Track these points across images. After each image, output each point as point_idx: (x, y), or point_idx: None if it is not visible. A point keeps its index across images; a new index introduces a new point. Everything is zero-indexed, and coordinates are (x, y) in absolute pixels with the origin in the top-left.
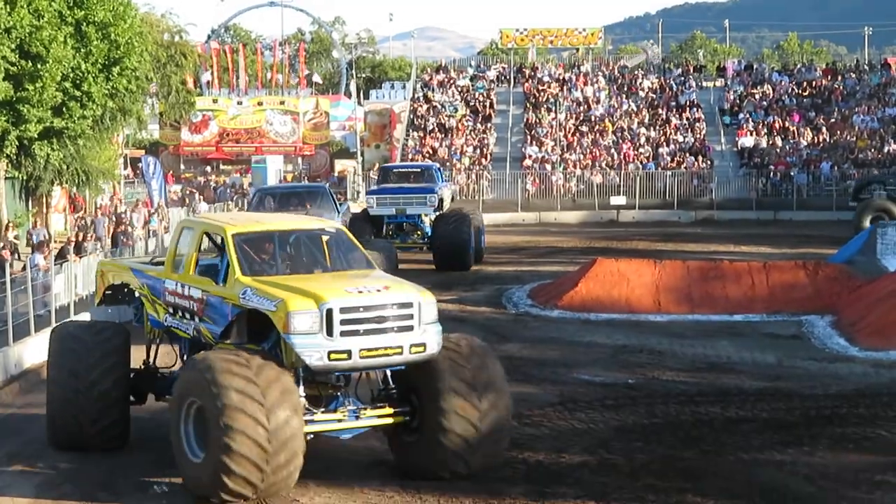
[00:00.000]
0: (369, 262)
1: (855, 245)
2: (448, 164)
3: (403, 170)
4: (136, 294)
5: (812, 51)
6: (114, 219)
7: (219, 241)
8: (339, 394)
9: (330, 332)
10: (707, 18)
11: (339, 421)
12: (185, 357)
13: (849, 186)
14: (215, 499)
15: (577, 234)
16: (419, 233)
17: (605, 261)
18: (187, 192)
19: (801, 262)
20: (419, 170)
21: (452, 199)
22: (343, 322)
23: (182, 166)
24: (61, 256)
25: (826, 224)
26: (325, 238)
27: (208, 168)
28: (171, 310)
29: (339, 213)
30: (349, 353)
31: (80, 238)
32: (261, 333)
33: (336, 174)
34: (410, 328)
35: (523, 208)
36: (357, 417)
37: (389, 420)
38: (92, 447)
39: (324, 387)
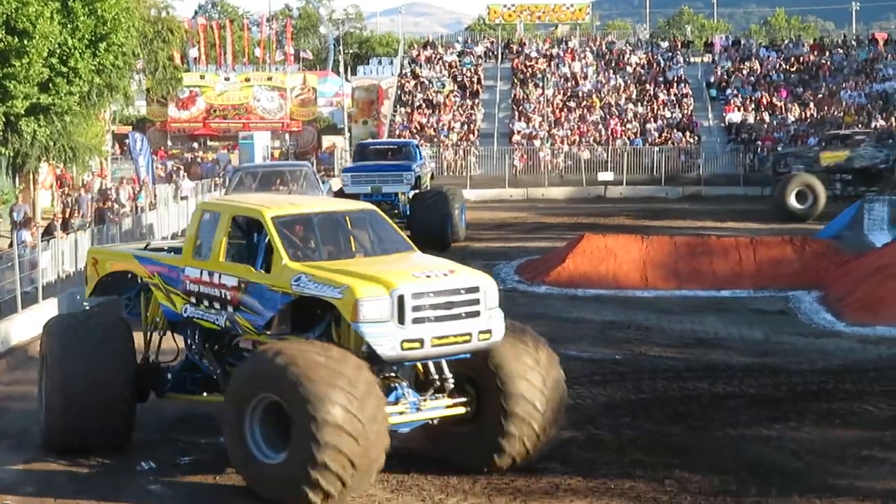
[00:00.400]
0: (408, 243)
1: (842, 220)
2: (436, 139)
3: (380, 147)
4: (141, 283)
5: (799, 26)
6: (98, 196)
7: (249, 224)
8: (397, 385)
9: (402, 320)
10: None
11: (401, 413)
12: (194, 350)
13: None
14: (296, 500)
15: (565, 210)
16: (396, 212)
17: (593, 237)
18: (175, 168)
19: (788, 237)
20: (396, 147)
21: (432, 177)
22: (415, 308)
23: (169, 143)
24: (48, 233)
25: None
26: (362, 219)
27: (195, 144)
28: (193, 300)
29: (322, 192)
30: (421, 341)
31: (68, 215)
32: (304, 323)
33: (324, 150)
34: (477, 314)
35: (511, 184)
36: (418, 409)
37: (453, 411)
38: (96, 448)
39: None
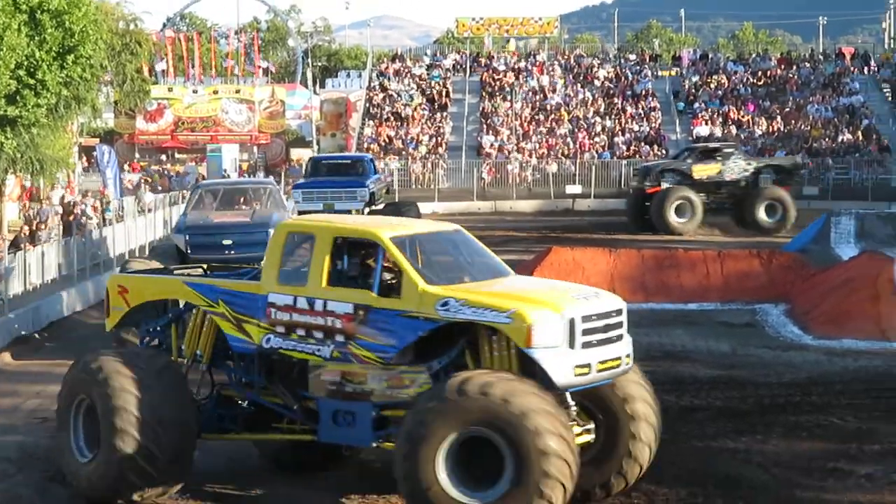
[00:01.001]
0: (503, 263)
1: (809, 234)
2: (404, 152)
3: (333, 161)
4: (173, 312)
5: (767, 40)
6: (60, 209)
7: (356, 246)
8: None
9: (572, 344)
10: (663, 8)
11: None
12: (253, 385)
13: (804, 176)
14: None
15: (533, 223)
16: None
17: (561, 249)
18: (142, 180)
19: (755, 250)
20: (350, 161)
21: (387, 192)
22: (584, 332)
23: (137, 155)
24: (14, 245)
25: None
26: (459, 239)
27: (163, 157)
28: (280, 329)
29: (287, 211)
30: (589, 366)
31: (35, 227)
32: (425, 352)
33: (294, 163)
34: (622, 336)
35: (479, 197)
36: None
37: (584, 439)
38: (151, 493)
39: None
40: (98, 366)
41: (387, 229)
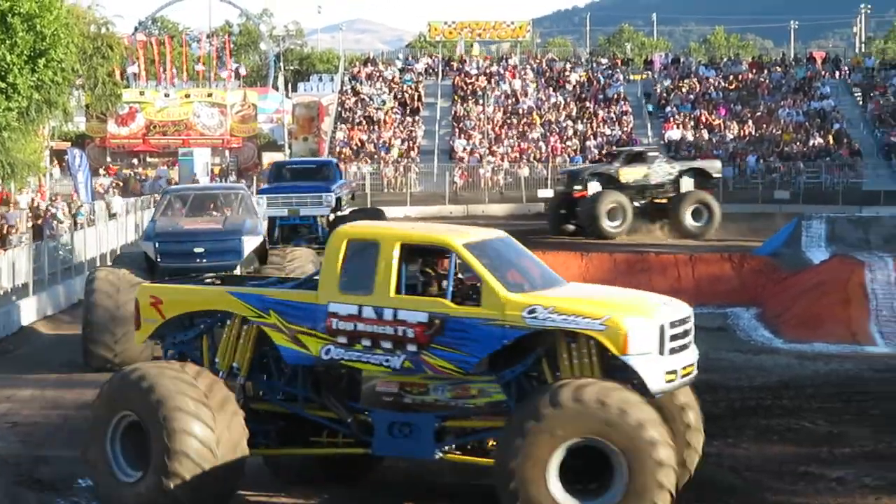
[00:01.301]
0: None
1: (780, 238)
2: (376, 156)
3: (298, 166)
4: (206, 324)
5: (738, 44)
6: (29, 213)
7: (426, 253)
8: None
9: (662, 350)
10: (635, 12)
11: None
12: (297, 398)
13: (775, 180)
14: None
15: (505, 227)
16: (314, 236)
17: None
18: (113, 184)
19: (726, 254)
20: (315, 166)
21: (353, 198)
22: (672, 338)
23: (108, 159)
24: None
25: (752, 217)
26: (511, 245)
27: (135, 161)
28: (342, 339)
29: (260, 217)
30: (675, 372)
31: (5, 231)
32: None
33: (266, 167)
34: (692, 342)
35: (451, 201)
36: None
37: None
38: None
39: None
40: (147, 382)
41: (456, 236)
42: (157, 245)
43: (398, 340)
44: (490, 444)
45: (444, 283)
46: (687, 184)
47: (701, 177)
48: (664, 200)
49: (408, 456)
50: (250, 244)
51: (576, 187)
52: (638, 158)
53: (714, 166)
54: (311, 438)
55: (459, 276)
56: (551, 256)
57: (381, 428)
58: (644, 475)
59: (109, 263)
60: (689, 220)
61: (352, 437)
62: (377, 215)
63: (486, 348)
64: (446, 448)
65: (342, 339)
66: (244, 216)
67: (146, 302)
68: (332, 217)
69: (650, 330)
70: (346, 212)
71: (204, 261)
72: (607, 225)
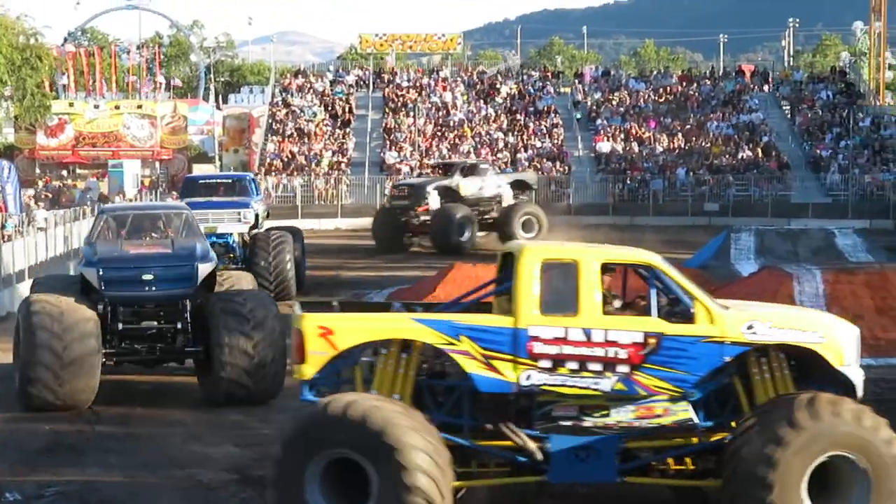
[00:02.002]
0: None
1: (710, 250)
2: (307, 168)
3: (212, 181)
4: (369, 353)
5: (668, 58)
6: None
7: (627, 272)
8: None
9: (857, 359)
10: (566, 25)
11: None
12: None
13: (704, 192)
14: None
15: None
16: (232, 255)
17: (463, 265)
18: (42, 195)
19: None
20: (230, 181)
21: (267, 216)
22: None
23: (38, 171)
24: None
25: (681, 229)
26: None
27: (64, 172)
28: (545, 364)
29: (205, 238)
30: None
31: None
32: None
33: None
34: None
35: None
36: None
37: None
38: None
39: None
40: (362, 415)
41: (651, 253)
42: (100, 272)
43: (609, 362)
44: (672, 464)
45: (640, 301)
46: (508, 196)
47: (520, 188)
48: (494, 213)
49: (588, 481)
50: (204, 270)
51: (423, 201)
52: (473, 171)
53: (532, 177)
54: (476, 469)
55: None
56: (482, 269)
57: (560, 453)
58: (888, 485)
59: (34, 278)
60: (519, 231)
61: (527, 465)
62: (296, 234)
63: (707, 365)
64: (629, 470)
65: (545, 364)
66: (191, 239)
67: (314, 333)
68: (248, 235)
69: (856, 341)
70: (262, 229)
71: (153, 289)
72: (457, 238)
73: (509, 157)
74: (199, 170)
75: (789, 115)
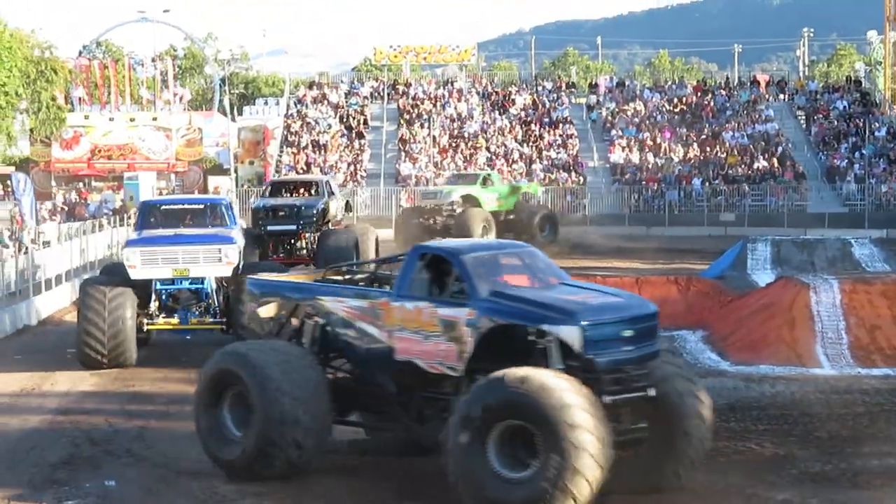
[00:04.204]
0: None
1: (726, 260)
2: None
3: (178, 206)
4: None
5: (683, 68)
6: None
7: None
8: None
9: None
10: (580, 36)
11: None
12: None
13: (720, 202)
14: None
15: None
16: (203, 305)
17: None
18: (58, 209)
19: (673, 277)
20: (201, 206)
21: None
22: None
23: (53, 183)
24: None
25: (697, 239)
26: None
27: (80, 185)
28: None
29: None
30: None
31: None
32: None
33: (213, 191)
34: None
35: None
36: None
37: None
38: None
39: None
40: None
41: None
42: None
43: None
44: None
45: None
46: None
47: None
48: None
49: None
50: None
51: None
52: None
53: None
54: None
55: None
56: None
57: None
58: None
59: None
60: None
61: None
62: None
63: None
64: None
65: None
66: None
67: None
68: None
69: None
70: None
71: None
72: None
73: (524, 167)
74: (214, 182)
75: (805, 125)
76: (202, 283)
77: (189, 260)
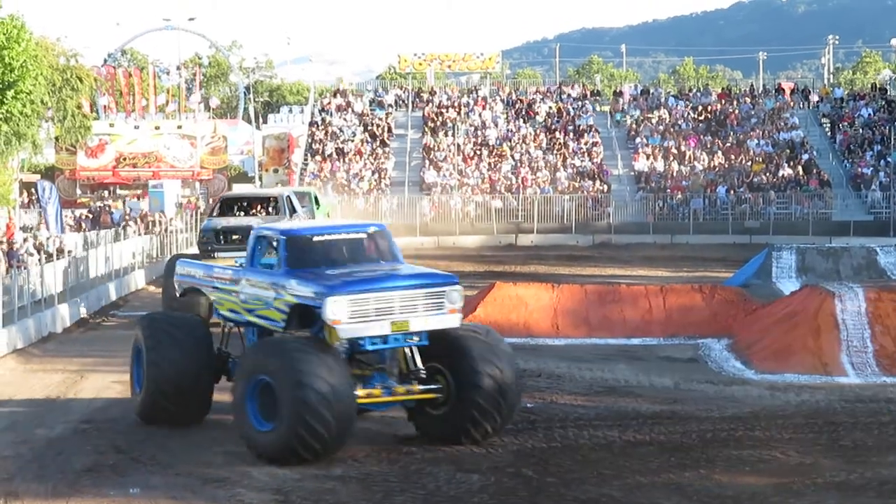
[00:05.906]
0: None
1: (751, 269)
2: (347, 188)
3: (333, 236)
4: None
5: (707, 75)
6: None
7: None
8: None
9: None
10: (604, 43)
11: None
12: None
13: (745, 210)
14: None
15: (476, 259)
16: (397, 366)
17: (504, 285)
18: (82, 217)
19: (697, 285)
20: (362, 235)
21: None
22: None
23: (78, 191)
24: None
25: (722, 248)
26: None
27: (105, 193)
28: None
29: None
30: None
31: None
32: None
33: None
34: None
35: (422, 232)
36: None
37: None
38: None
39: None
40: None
41: None
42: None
43: None
44: None
45: None
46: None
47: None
48: None
49: None
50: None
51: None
52: None
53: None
54: None
55: None
56: (522, 288)
57: None
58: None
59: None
60: None
61: None
62: None
63: None
64: None
65: None
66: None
67: None
68: None
69: None
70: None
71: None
72: None
73: (549, 175)
74: (240, 189)
75: (829, 133)
76: (421, 338)
77: (408, 309)
